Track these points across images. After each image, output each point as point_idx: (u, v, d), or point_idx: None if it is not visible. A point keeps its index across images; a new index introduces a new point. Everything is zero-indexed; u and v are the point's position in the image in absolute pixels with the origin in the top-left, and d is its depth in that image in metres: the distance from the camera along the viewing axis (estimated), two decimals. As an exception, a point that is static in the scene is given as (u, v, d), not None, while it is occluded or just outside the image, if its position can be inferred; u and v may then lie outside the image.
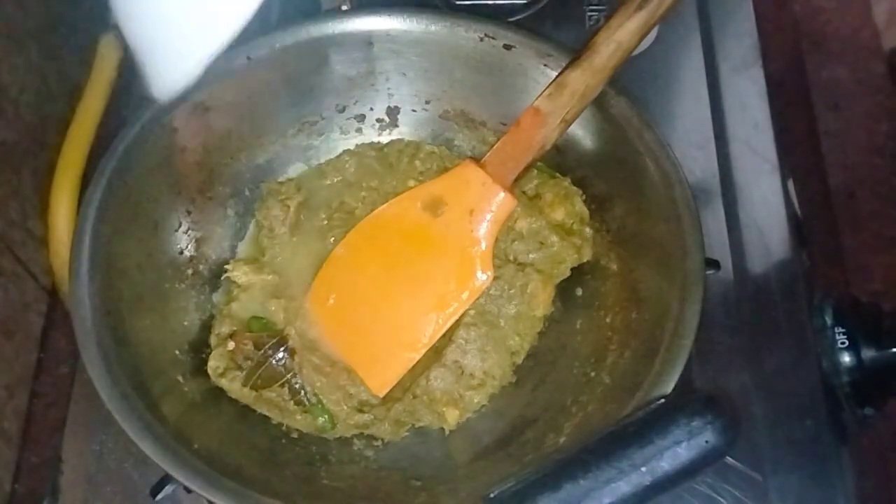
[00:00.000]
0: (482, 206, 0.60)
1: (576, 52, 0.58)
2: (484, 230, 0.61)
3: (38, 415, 0.66)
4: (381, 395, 0.61)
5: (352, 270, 0.63)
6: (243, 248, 0.67)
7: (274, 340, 0.61)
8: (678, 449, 0.45)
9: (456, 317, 0.62)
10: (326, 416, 0.61)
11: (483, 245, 0.61)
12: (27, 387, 0.66)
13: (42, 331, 0.68)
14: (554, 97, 0.58)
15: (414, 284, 0.62)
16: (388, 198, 0.65)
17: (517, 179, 0.60)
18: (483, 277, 0.61)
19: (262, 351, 0.61)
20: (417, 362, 0.61)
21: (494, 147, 0.60)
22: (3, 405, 0.63)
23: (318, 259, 0.64)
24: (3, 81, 0.65)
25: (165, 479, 0.52)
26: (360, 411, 0.61)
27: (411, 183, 0.67)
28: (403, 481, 0.59)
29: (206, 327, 0.63)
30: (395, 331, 0.62)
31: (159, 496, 0.53)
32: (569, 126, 0.59)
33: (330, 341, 0.62)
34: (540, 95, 0.58)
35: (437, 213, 0.61)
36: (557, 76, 0.58)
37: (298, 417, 0.61)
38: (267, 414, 0.61)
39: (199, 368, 0.61)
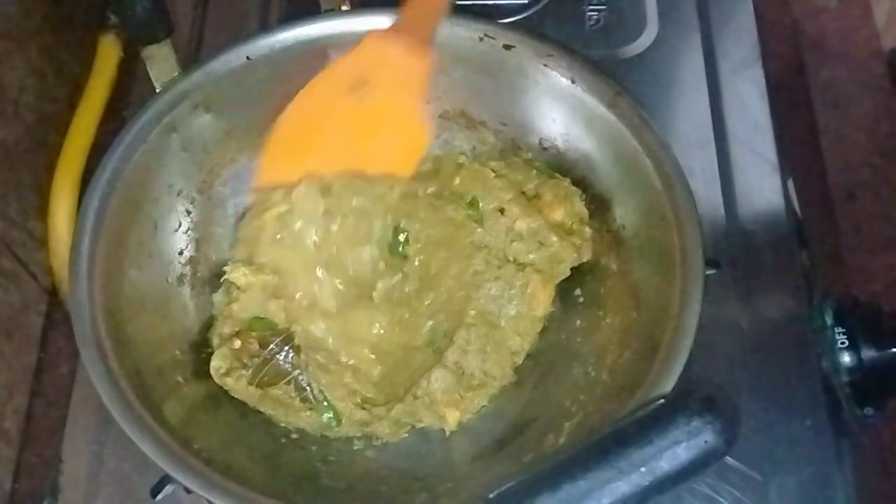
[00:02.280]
0: (402, 77, 0.60)
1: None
2: (411, 98, 0.60)
3: (38, 415, 0.66)
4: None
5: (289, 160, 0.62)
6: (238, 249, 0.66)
7: (279, 338, 0.61)
8: (678, 449, 0.45)
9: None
10: (332, 413, 0.60)
11: (414, 111, 0.60)
12: (27, 387, 0.66)
13: (42, 331, 0.68)
14: None
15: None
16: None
17: (431, 37, 0.59)
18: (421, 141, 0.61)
19: (268, 348, 0.61)
20: (418, 363, 0.61)
21: (402, 14, 0.60)
22: (3, 405, 0.63)
23: (316, 258, 0.64)
24: (3, 81, 0.65)
25: (165, 480, 0.52)
26: (363, 408, 0.61)
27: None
28: (403, 481, 0.59)
29: (207, 328, 0.63)
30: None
31: (159, 496, 0.53)
32: None
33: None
34: None
35: (360, 92, 0.60)
36: None
37: (304, 415, 0.61)
38: (271, 413, 0.60)
39: (200, 369, 0.60)
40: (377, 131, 0.61)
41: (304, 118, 0.61)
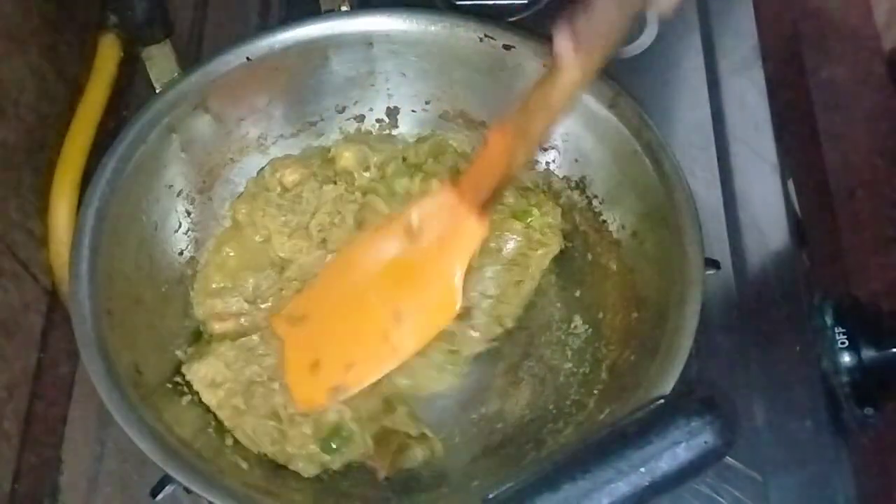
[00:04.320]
0: (451, 235, 0.59)
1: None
2: (453, 260, 0.59)
3: (38, 415, 0.66)
4: (300, 411, 0.60)
5: (323, 292, 0.63)
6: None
7: None
8: (677, 449, 0.45)
9: (414, 351, 0.60)
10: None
11: (450, 276, 0.59)
12: (27, 387, 0.66)
13: (42, 331, 0.68)
14: (519, 114, 0.54)
15: (385, 311, 0.61)
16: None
17: (489, 202, 0.57)
18: (449, 312, 0.59)
19: None
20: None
21: (468, 168, 0.59)
22: (3, 405, 0.63)
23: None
24: (3, 81, 0.65)
25: (165, 480, 0.52)
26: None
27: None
28: (403, 481, 0.59)
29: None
30: (345, 360, 0.61)
31: (159, 496, 0.52)
32: (536, 145, 0.56)
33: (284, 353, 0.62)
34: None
35: (414, 239, 0.60)
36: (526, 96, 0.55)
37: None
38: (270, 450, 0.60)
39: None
40: (417, 279, 0.60)
41: (361, 246, 0.63)
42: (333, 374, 0.60)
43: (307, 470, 0.58)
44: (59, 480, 0.62)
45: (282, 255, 0.66)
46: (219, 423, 0.59)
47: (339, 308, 0.62)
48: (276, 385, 0.60)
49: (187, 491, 0.51)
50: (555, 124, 0.55)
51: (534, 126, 0.54)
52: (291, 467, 0.58)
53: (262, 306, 0.64)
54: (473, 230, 0.58)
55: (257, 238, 0.66)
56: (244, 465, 0.55)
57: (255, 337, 0.62)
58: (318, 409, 0.60)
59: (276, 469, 0.58)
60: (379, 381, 0.61)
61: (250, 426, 0.59)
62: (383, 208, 0.66)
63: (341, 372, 0.60)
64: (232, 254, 0.65)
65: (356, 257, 0.63)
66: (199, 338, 0.63)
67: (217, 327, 0.63)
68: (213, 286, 0.64)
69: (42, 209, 0.66)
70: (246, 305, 0.64)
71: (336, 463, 0.59)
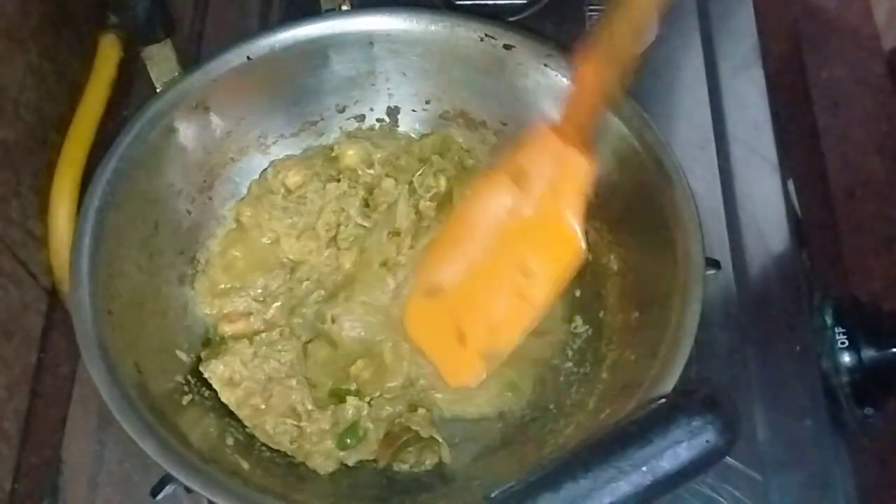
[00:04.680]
0: (562, 176, 0.57)
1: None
2: (568, 201, 0.57)
3: (38, 415, 0.66)
4: (460, 385, 0.61)
5: (451, 255, 0.62)
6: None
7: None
8: (678, 449, 0.45)
9: (552, 299, 0.60)
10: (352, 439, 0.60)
11: (568, 217, 0.57)
12: (27, 387, 0.66)
13: (42, 331, 0.68)
14: (603, 39, 0.53)
15: (511, 268, 0.60)
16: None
17: (593, 137, 0.56)
18: (575, 255, 0.58)
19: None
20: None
21: (564, 108, 0.57)
22: (3, 405, 0.63)
23: None
24: (3, 81, 0.65)
25: (165, 479, 0.52)
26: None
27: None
28: (404, 481, 0.59)
29: (207, 327, 0.63)
30: (488, 324, 0.60)
31: (159, 496, 0.52)
32: (629, 64, 0.54)
33: (412, 335, 0.62)
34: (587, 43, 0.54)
35: (524, 186, 0.59)
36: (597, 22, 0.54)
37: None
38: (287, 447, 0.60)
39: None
40: (535, 227, 0.59)
41: (472, 206, 0.62)
42: (480, 341, 0.60)
43: (325, 466, 0.58)
44: (59, 480, 0.62)
45: (291, 257, 0.66)
46: (219, 422, 0.59)
47: (469, 273, 0.61)
48: (293, 382, 0.60)
49: (188, 490, 0.51)
50: (641, 36, 0.54)
51: (621, 45, 0.53)
52: (309, 464, 0.58)
53: (274, 305, 0.64)
54: (584, 168, 0.57)
55: (264, 240, 0.66)
56: (245, 465, 0.55)
57: (272, 333, 0.62)
58: (479, 380, 0.60)
59: (277, 468, 0.58)
60: (413, 388, 0.62)
61: (270, 425, 0.59)
62: (391, 186, 0.67)
63: (487, 336, 0.60)
64: (238, 255, 0.65)
65: (472, 218, 0.62)
66: (202, 340, 0.63)
67: (227, 329, 0.63)
68: (221, 287, 0.64)
69: (42, 209, 0.66)
70: (255, 305, 0.64)
71: (350, 459, 0.59)
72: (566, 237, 0.58)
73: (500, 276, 0.60)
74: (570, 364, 0.62)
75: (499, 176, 0.60)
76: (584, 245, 0.58)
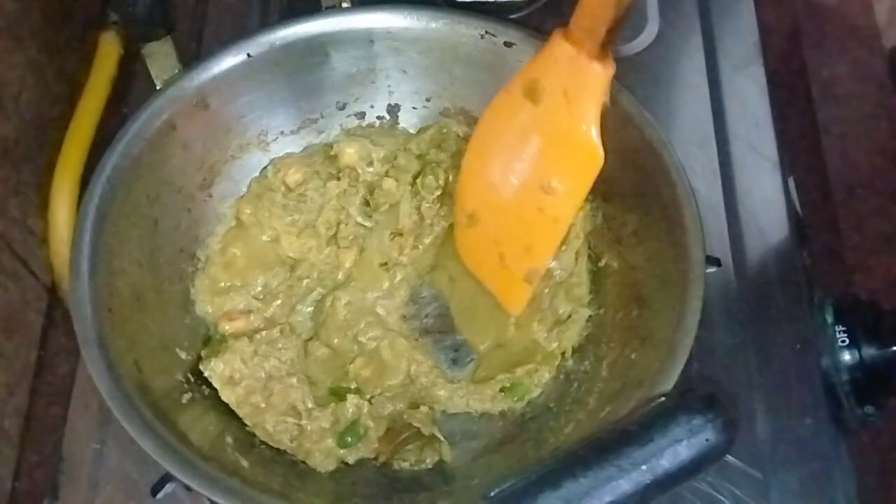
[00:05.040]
0: (576, 84, 0.55)
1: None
2: (583, 109, 0.56)
3: (39, 413, 0.66)
4: (518, 313, 0.63)
5: (478, 183, 0.62)
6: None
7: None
8: (679, 447, 0.45)
9: (575, 212, 0.60)
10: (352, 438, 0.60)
11: (585, 126, 0.56)
12: (27, 385, 0.66)
13: (42, 329, 0.68)
14: None
15: (532, 187, 0.59)
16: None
17: (608, 42, 0.54)
18: (595, 164, 0.57)
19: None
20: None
21: (575, 12, 0.55)
22: (3, 404, 0.63)
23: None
24: (3, 79, 0.65)
25: (166, 478, 0.52)
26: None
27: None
28: (404, 479, 0.59)
29: (207, 326, 0.63)
30: (522, 244, 0.61)
31: (159, 495, 0.52)
32: None
33: (468, 264, 0.64)
34: None
35: (537, 100, 0.57)
36: None
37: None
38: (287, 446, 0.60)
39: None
40: (552, 140, 0.58)
41: (488, 130, 0.61)
42: (519, 262, 0.61)
43: (325, 465, 0.58)
44: (59, 479, 0.62)
45: (291, 254, 0.66)
46: (219, 420, 0.59)
47: (497, 198, 0.61)
48: (293, 380, 0.60)
49: (188, 489, 0.51)
50: None
51: None
52: (310, 463, 0.58)
53: (274, 303, 0.64)
54: (599, 74, 0.55)
55: (264, 238, 0.66)
56: (245, 463, 0.55)
57: (272, 331, 0.62)
58: (527, 301, 0.62)
59: (277, 467, 0.58)
60: (413, 386, 0.62)
61: (270, 423, 0.59)
62: (392, 186, 0.67)
63: (525, 257, 0.61)
64: (238, 253, 0.65)
65: (489, 140, 0.61)
66: (202, 338, 0.63)
67: (228, 327, 0.63)
68: (221, 285, 0.64)
69: (42, 206, 0.66)
70: (256, 303, 0.64)
71: (351, 458, 0.59)
72: (584, 148, 0.57)
73: (524, 196, 0.60)
74: (570, 362, 0.62)
75: (511, 95, 0.59)
76: (602, 153, 0.56)
